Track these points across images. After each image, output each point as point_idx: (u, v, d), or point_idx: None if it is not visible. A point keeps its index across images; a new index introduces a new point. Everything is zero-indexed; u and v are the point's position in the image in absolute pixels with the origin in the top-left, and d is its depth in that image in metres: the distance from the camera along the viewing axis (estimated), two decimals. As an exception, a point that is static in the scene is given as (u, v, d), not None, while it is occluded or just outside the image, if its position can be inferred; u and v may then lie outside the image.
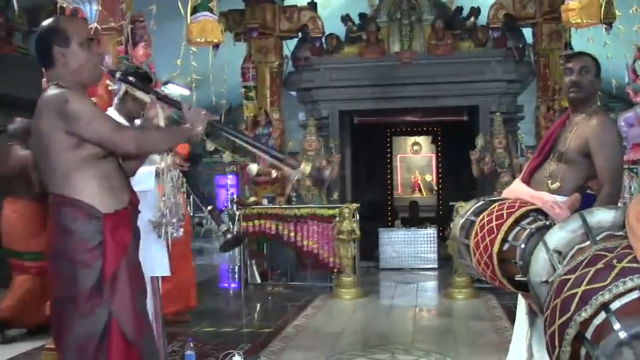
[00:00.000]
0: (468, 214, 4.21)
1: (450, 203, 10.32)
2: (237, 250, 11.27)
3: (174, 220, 4.88)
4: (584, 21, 7.34)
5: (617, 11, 8.08)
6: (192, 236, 10.21)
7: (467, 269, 4.44)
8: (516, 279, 3.75)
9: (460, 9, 13.61)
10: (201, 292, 9.30)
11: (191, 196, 11.15)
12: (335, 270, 10.56)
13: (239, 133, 3.99)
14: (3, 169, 7.86)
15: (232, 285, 11.79)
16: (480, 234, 3.96)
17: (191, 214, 10.37)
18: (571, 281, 2.86)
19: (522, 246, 3.72)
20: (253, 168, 11.52)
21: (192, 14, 7.79)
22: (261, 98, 12.95)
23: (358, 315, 9.23)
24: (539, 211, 3.91)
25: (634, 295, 2.65)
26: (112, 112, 4.85)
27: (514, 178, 10.37)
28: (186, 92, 14.91)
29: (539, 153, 4.46)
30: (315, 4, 13.55)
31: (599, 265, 2.81)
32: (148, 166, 4.84)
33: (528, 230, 3.76)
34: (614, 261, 2.79)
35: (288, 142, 13.24)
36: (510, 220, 3.86)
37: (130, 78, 4.00)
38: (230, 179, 12.09)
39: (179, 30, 8.00)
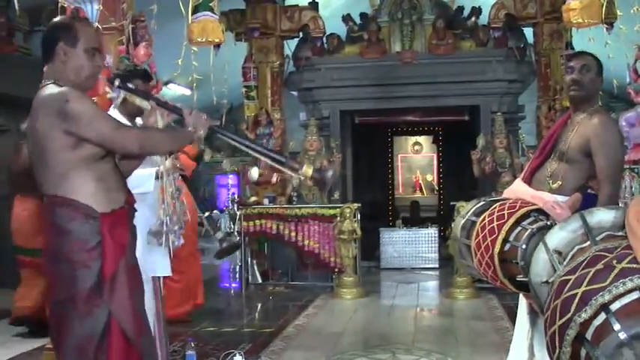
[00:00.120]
0: (469, 214, 4.22)
1: (451, 203, 10.32)
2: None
3: (176, 228, 4.85)
4: (586, 21, 7.34)
5: (618, 11, 8.10)
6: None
7: (468, 269, 4.44)
8: (518, 279, 3.75)
9: (461, 9, 13.61)
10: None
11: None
12: (336, 270, 10.56)
13: (239, 138, 3.97)
14: (14, 168, 7.92)
15: (233, 285, 11.79)
16: (481, 234, 3.96)
17: (199, 213, 10.36)
18: (571, 282, 2.86)
19: (523, 246, 3.72)
20: (254, 173, 11.51)
21: (193, 14, 7.80)
22: (262, 98, 12.94)
23: (359, 315, 9.23)
24: (541, 211, 3.91)
25: (634, 295, 2.65)
26: (113, 111, 4.85)
27: (515, 178, 10.36)
28: (187, 92, 14.92)
29: (540, 153, 4.46)
30: (317, 3, 13.55)
31: (599, 266, 2.81)
32: (149, 169, 4.83)
33: (529, 230, 3.76)
34: (614, 261, 2.79)
35: (290, 142, 13.23)
36: (511, 220, 3.86)
37: (130, 85, 3.98)
38: (231, 179, 12.08)
39: (180, 30, 8.00)
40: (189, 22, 7.80)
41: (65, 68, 3.48)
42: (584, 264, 2.90)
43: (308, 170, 3.86)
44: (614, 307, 2.65)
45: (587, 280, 2.78)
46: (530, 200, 4.05)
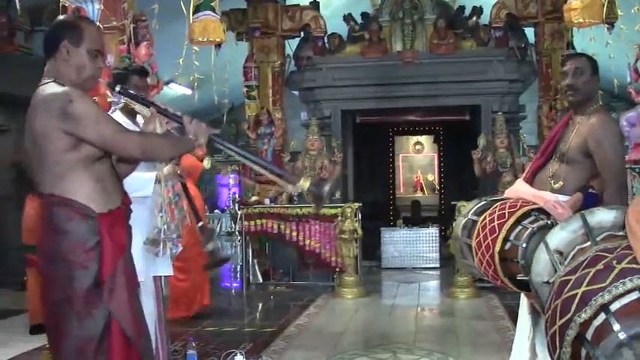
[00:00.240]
0: (470, 213, 4.22)
1: (452, 203, 10.31)
2: (239, 249, 11.28)
3: (174, 236, 4.83)
4: (587, 21, 7.34)
5: (619, 11, 8.09)
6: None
7: (469, 269, 4.44)
8: (518, 278, 3.75)
9: (462, 8, 13.61)
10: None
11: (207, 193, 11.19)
12: (337, 269, 10.57)
13: (238, 148, 3.96)
14: (27, 167, 7.95)
15: (234, 284, 11.78)
16: (482, 233, 3.96)
17: (207, 213, 10.43)
18: (571, 282, 2.86)
19: (524, 245, 3.72)
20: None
21: (194, 13, 7.80)
22: (264, 98, 12.95)
23: (360, 314, 9.24)
24: (541, 211, 3.91)
25: (633, 296, 2.65)
26: (115, 113, 4.84)
27: (516, 177, 10.40)
28: (189, 92, 14.92)
29: (542, 153, 4.46)
30: (318, 3, 13.54)
31: (599, 266, 2.81)
32: (149, 172, 4.82)
33: (530, 229, 3.76)
34: (614, 262, 2.79)
35: (291, 142, 13.23)
36: (512, 219, 3.86)
37: (131, 91, 3.98)
38: (232, 179, 12.10)
39: (181, 29, 8.00)
40: (191, 21, 7.80)
41: (67, 67, 3.46)
42: (584, 264, 2.90)
43: (305, 184, 3.84)
44: (614, 307, 2.65)
45: (587, 280, 2.79)
46: (531, 200, 4.05)
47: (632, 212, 2.95)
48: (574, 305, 2.76)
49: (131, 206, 3.69)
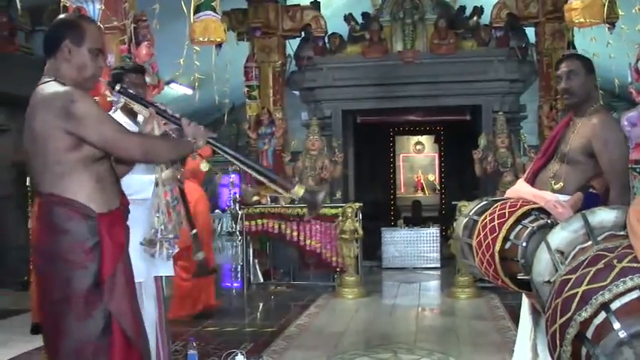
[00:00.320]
0: (471, 213, 4.22)
1: (453, 203, 10.30)
2: (240, 249, 11.27)
3: (171, 236, 4.82)
4: (587, 20, 7.33)
5: (619, 11, 8.08)
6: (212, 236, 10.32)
7: (470, 269, 4.44)
8: (518, 277, 3.75)
9: (463, 8, 13.60)
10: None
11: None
12: (338, 269, 10.58)
13: (234, 152, 3.96)
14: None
15: (235, 284, 11.79)
16: (482, 233, 3.96)
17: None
18: (572, 281, 2.86)
19: (524, 244, 3.72)
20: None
21: (195, 13, 7.79)
22: (264, 97, 12.94)
23: (361, 314, 9.24)
24: (542, 210, 3.91)
25: (634, 294, 2.65)
26: (115, 113, 4.84)
27: (517, 177, 10.42)
28: (189, 92, 14.93)
29: (543, 154, 4.45)
30: (318, 3, 13.53)
31: (600, 265, 2.81)
32: (149, 175, 4.82)
33: (530, 228, 3.76)
34: (615, 261, 2.79)
35: (291, 142, 13.23)
36: (512, 218, 3.86)
37: (130, 91, 3.97)
38: (233, 178, 12.12)
39: (182, 29, 7.99)
40: (191, 21, 7.80)
41: (68, 66, 3.45)
42: (585, 263, 2.90)
43: (299, 190, 3.83)
44: (614, 306, 2.65)
45: (587, 279, 2.79)
46: (531, 199, 4.05)
47: (633, 212, 2.95)
48: (574, 304, 2.76)
49: (130, 207, 3.69)
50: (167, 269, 5.22)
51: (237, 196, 11.61)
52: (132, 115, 4.71)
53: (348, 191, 13.75)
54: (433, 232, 13.53)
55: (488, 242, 3.88)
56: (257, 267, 11.51)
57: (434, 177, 20.06)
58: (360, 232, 10.43)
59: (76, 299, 3.28)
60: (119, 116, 4.62)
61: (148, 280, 4.86)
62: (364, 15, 13.63)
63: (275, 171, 11.34)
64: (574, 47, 11.19)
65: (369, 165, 16.87)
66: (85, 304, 3.29)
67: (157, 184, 4.84)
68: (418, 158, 20.66)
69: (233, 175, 12.99)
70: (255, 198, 11.44)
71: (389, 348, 7.12)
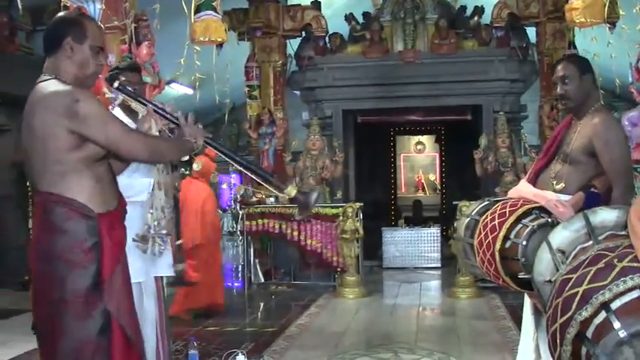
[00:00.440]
0: (473, 213, 4.22)
1: (454, 202, 10.30)
2: (240, 249, 11.27)
3: (164, 232, 4.81)
4: (588, 20, 7.34)
5: (620, 11, 8.09)
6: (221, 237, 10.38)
7: (472, 269, 4.43)
8: (519, 277, 3.75)
9: (464, 8, 13.62)
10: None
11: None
12: (338, 269, 10.58)
13: (229, 151, 3.96)
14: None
15: (236, 284, 11.79)
16: (483, 232, 3.96)
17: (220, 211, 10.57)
18: (572, 280, 2.86)
19: (524, 243, 3.72)
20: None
21: (195, 13, 7.81)
22: (265, 97, 12.96)
23: (361, 314, 9.24)
24: (542, 209, 3.91)
25: (634, 294, 2.65)
26: (116, 110, 4.84)
27: (517, 177, 10.43)
28: (190, 91, 14.93)
29: (544, 154, 4.44)
30: (319, 3, 13.55)
31: (600, 265, 2.81)
32: (146, 179, 4.82)
33: (530, 227, 3.76)
34: (615, 260, 2.79)
35: (292, 142, 13.24)
36: (512, 217, 3.86)
37: (129, 88, 3.97)
38: (234, 178, 12.13)
39: (183, 29, 8.00)
40: (192, 21, 7.81)
41: (69, 63, 3.42)
42: (585, 263, 2.90)
43: (292, 191, 3.85)
44: (615, 305, 2.65)
45: (588, 278, 2.78)
46: (532, 199, 4.05)
47: (634, 211, 2.95)
48: (575, 303, 2.76)
49: (127, 208, 3.68)
50: (167, 269, 5.22)
51: (238, 195, 11.61)
52: (130, 112, 4.70)
53: (349, 191, 13.76)
54: (434, 231, 13.53)
55: (489, 241, 3.88)
56: (258, 267, 11.52)
57: (434, 177, 20.06)
58: (361, 231, 10.43)
59: (74, 299, 3.25)
60: (118, 113, 4.62)
61: (147, 280, 4.86)
62: (365, 15, 13.65)
63: (276, 171, 11.39)
64: (575, 47, 11.21)
65: (369, 165, 16.86)
66: (83, 304, 3.26)
67: (154, 187, 4.85)
68: (419, 158, 20.66)
69: (233, 175, 13.00)
70: (256, 197, 11.44)
71: (390, 348, 7.12)
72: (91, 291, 3.27)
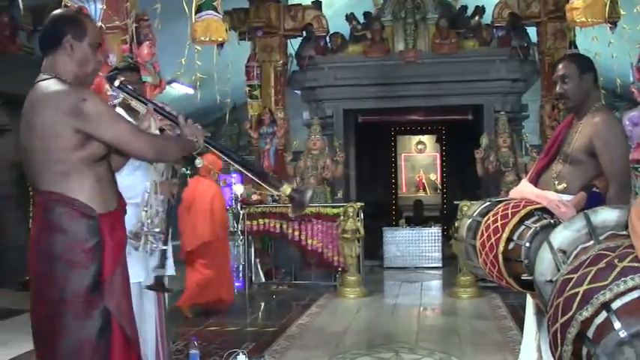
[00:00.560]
0: (474, 214, 4.20)
1: (455, 202, 10.31)
2: (241, 248, 11.27)
3: (157, 230, 4.81)
4: (589, 20, 7.34)
5: (621, 10, 8.08)
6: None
7: (474, 270, 4.42)
8: (522, 278, 3.74)
9: (465, 8, 13.61)
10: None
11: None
12: (339, 269, 10.59)
13: (226, 150, 3.99)
14: None
15: (237, 284, 11.78)
16: (486, 234, 3.95)
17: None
18: (573, 280, 2.86)
19: (527, 245, 3.71)
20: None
21: (196, 13, 7.81)
22: (266, 97, 12.95)
23: (362, 314, 9.24)
24: (545, 210, 3.90)
25: (635, 294, 2.64)
26: (118, 110, 4.83)
27: (518, 177, 10.43)
28: (191, 91, 14.93)
29: (546, 154, 4.44)
30: (320, 2, 13.54)
31: (601, 265, 2.81)
32: (146, 180, 4.82)
33: (533, 229, 3.75)
34: (616, 260, 2.78)
35: (293, 141, 13.25)
36: (515, 219, 3.85)
37: (129, 87, 3.97)
38: (235, 178, 12.10)
39: (184, 29, 8.00)
40: (193, 21, 7.81)
41: (70, 62, 3.41)
42: (586, 263, 2.90)
43: (287, 189, 3.92)
44: (615, 305, 2.64)
45: (588, 278, 2.78)
46: (534, 199, 4.04)
47: (635, 211, 2.94)
48: (575, 303, 2.75)
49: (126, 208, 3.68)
50: (169, 269, 5.22)
51: (239, 195, 11.61)
52: (130, 111, 4.70)
53: (350, 191, 13.77)
54: (435, 231, 13.53)
55: (492, 243, 3.87)
56: (259, 266, 11.52)
57: (435, 176, 20.04)
58: (362, 231, 10.43)
59: (74, 299, 3.24)
60: (120, 112, 4.62)
61: (148, 279, 4.85)
62: (366, 14, 13.64)
63: (277, 171, 11.40)
64: (576, 47, 11.20)
65: (370, 164, 16.86)
66: (83, 304, 3.25)
67: (152, 186, 4.85)
68: (420, 158, 20.64)
69: (234, 175, 12.99)
70: (257, 197, 11.44)
71: (390, 347, 7.12)
72: (91, 291, 3.26)
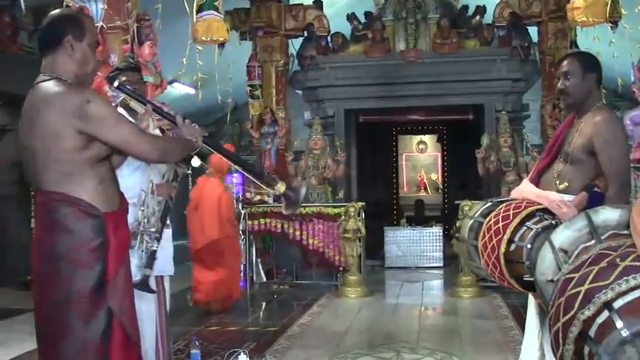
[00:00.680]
0: (476, 215, 4.20)
1: (456, 202, 10.31)
2: (242, 248, 11.29)
3: (153, 230, 4.81)
4: (590, 19, 7.34)
5: (622, 10, 8.08)
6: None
7: (476, 270, 4.43)
8: (524, 279, 3.74)
9: (466, 7, 13.61)
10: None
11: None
12: (340, 269, 10.58)
13: (223, 149, 4.01)
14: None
15: (238, 283, 11.80)
16: (487, 235, 3.95)
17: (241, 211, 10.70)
18: (575, 280, 2.85)
19: (528, 246, 3.70)
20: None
21: (197, 13, 7.81)
22: (267, 97, 12.95)
23: (364, 314, 9.24)
24: (546, 211, 3.89)
25: (637, 293, 2.64)
26: (119, 110, 4.83)
27: (519, 176, 10.44)
28: (192, 91, 14.93)
29: (547, 153, 4.43)
30: (321, 2, 13.55)
31: (603, 264, 2.81)
32: (143, 181, 4.82)
33: (534, 230, 3.75)
34: (618, 259, 2.78)
35: (294, 141, 13.26)
36: (516, 220, 3.85)
37: (128, 87, 3.98)
38: (236, 178, 12.09)
39: (185, 29, 8.01)
40: (194, 21, 7.81)
41: (70, 62, 3.40)
42: (587, 262, 2.90)
43: (282, 187, 4.02)
44: (617, 304, 2.64)
45: (590, 277, 2.78)
46: (535, 200, 4.03)
47: (637, 210, 2.94)
48: (577, 302, 2.75)
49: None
50: (169, 269, 5.23)
51: (240, 195, 11.62)
52: (130, 111, 4.71)
53: (351, 190, 13.78)
54: (436, 231, 13.53)
55: (493, 244, 3.87)
56: (260, 266, 11.52)
57: (436, 176, 20.02)
58: (363, 231, 10.43)
59: (79, 299, 3.24)
60: (122, 112, 4.62)
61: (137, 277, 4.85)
62: (367, 14, 13.65)
63: (278, 171, 11.40)
64: (577, 46, 11.19)
65: (371, 164, 16.87)
66: (89, 304, 3.25)
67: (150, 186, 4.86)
68: (421, 157, 20.63)
69: (236, 175, 13.00)
70: (258, 197, 11.44)
71: (392, 347, 7.12)
72: (96, 291, 3.27)
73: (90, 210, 3.30)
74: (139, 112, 4.18)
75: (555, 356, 2.92)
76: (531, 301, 4.36)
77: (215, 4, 7.84)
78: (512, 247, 3.81)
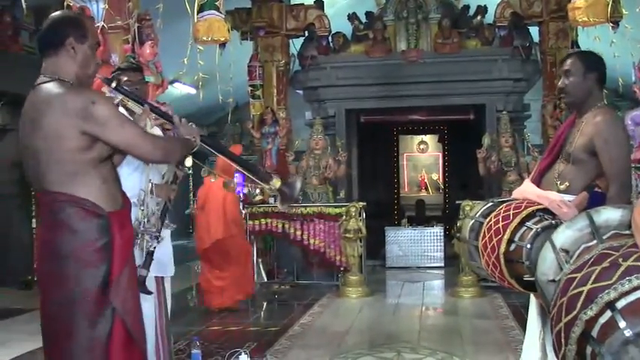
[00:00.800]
0: (477, 215, 4.20)
1: (457, 202, 10.32)
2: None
3: (153, 230, 4.80)
4: (591, 19, 7.33)
5: (623, 10, 8.07)
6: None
7: (477, 270, 4.42)
8: (524, 279, 3.73)
9: (467, 7, 13.62)
10: (208, 291, 9.36)
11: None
12: (341, 268, 10.58)
13: (221, 147, 4.04)
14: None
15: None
16: (488, 235, 3.94)
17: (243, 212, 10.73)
18: (577, 280, 2.85)
19: (528, 246, 3.70)
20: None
21: (198, 13, 7.80)
22: (268, 97, 12.95)
23: (364, 313, 9.24)
24: (546, 211, 3.88)
25: (639, 293, 2.64)
26: (121, 110, 4.83)
27: (520, 176, 10.44)
28: (193, 91, 14.93)
29: (548, 153, 4.43)
30: (322, 2, 13.55)
31: (605, 264, 2.80)
32: (142, 181, 4.82)
33: (534, 230, 3.74)
34: (620, 259, 2.78)
35: (295, 141, 13.25)
36: (516, 220, 3.84)
37: (126, 88, 4.00)
38: (237, 177, 12.08)
39: (186, 28, 8.01)
40: (195, 20, 7.81)
41: (71, 63, 3.40)
42: (590, 262, 2.89)
43: (277, 182, 4.07)
44: (620, 304, 2.64)
45: (592, 277, 2.77)
46: (536, 200, 4.03)
47: (638, 211, 2.94)
48: (580, 303, 2.75)
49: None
50: (169, 269, 5.23)
51: (241, 195, 11.61)
52: (128, 111, 4.71)
53: (352, 190, 13.78)
54: (437, 231, 13.53)
55: (494, 244, 3.87)
56: (261, 266, 11.52)
57: (437, 176, 20.00)
58: (364, 231, 10.43)
59: (85, 299, 3.24)
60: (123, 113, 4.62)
61: (149, 280, 4.85)
62: (368, 14, 13.66)
63: (279, 170, 11.40)
64: (578, 46, 11.19)
65: (372, 164, 16.88)
66: (94, 304, 3.25)
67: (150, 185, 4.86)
68: (422, 157, 20.60)
69: (237, 175, 13.00)
70: (259, 197, 11.44)
71: (393, 347, 7.12)
72: (102, 290, 3.27)
73: (95, 210, 3.30)
74: (136, 113, 4.18)
75: (557, 356, 2.92)
76: (533, 301, 4.36)
77: (216, 3, 7.84)
78: (512, 247, 3.81)
